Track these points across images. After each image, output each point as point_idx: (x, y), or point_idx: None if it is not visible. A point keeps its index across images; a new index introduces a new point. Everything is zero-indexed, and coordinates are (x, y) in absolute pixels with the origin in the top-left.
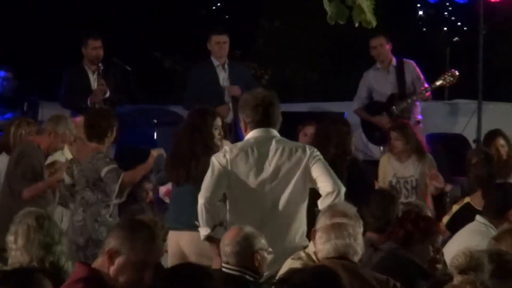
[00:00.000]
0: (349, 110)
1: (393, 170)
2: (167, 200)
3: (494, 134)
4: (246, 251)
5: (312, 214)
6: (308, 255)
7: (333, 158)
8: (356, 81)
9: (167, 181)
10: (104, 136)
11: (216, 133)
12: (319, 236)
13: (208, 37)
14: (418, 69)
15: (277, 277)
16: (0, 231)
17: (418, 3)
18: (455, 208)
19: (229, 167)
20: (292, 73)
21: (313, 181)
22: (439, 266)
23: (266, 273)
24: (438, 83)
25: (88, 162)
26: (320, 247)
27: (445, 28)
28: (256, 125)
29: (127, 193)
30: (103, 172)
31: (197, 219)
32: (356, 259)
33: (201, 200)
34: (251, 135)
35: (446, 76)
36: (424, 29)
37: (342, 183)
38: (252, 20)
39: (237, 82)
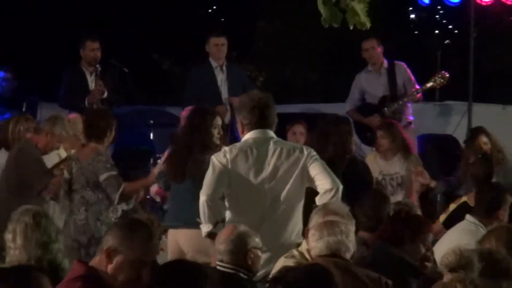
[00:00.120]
0: (342, 111)
1: (379, 167)
2: (158, 199)
3: (477, 131)
4: (239, 250)
5: (309, 213)
6: (301, 253)
7: (333, 158)
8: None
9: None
10: (103, 136)
11: (215, 132)
12: (312, 233)
13: (206, 39)
14: (409, 71)
15: (270, 275)
16: None
17: (411, 7)
18: (452, 206)
19: (229, 166)
20: (291, 73)
21: (311, 180)
22: (429, 264)
23: (263, 270)
24: (429, 84)
25: (88, 163)
26: (313, 245)
27: (437, 31)
28: (253, 126)
29: (134, 199)
30: (101, 177)
31: (195, 217)
32: (348, 256)
33: (203, 197)
34: (249, 136)
35: (436, 78)
36: (416, 31)
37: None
38: (250, 22)
39: (235, 83)
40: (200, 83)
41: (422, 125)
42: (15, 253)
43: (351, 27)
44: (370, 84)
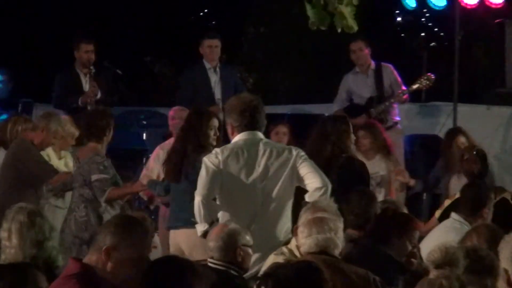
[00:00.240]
0: (329, 112)
1: None
2: (145, 198)
3: (455, 132)
4: (229, 247)
5: (297, 212)
6: (290, 250)
7: (330, 157)
8: (339, 84)
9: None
10: (103, 135)
11: (212, 133)
12: (301, 231)
13: (200, 41)
14: (396, 73)
15: (260, 272)
16: None
17: (397, 10)
18: (447, 202)
19: (221, 167)
20: (277, 77)
21: (300, 180)
22: (415, 261)
23: (255, 268)
24: (415, 86)
25: (85, 162)
26: (302, 241)
27: (423, 34)
28: (244, 128)
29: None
30: (93, 177)
31: (194, 217)
32: (336, 252)
33: (198, 197)
34: (239, 137)
35: (422, 80)
36: (403, 34)
37: (333, 180)
38: (238, 26)
39: (228, 84)
40: (193, 84)
41: (408, 125)
42: (10, 252)
43: (339, 30)
44: (357, 85)
